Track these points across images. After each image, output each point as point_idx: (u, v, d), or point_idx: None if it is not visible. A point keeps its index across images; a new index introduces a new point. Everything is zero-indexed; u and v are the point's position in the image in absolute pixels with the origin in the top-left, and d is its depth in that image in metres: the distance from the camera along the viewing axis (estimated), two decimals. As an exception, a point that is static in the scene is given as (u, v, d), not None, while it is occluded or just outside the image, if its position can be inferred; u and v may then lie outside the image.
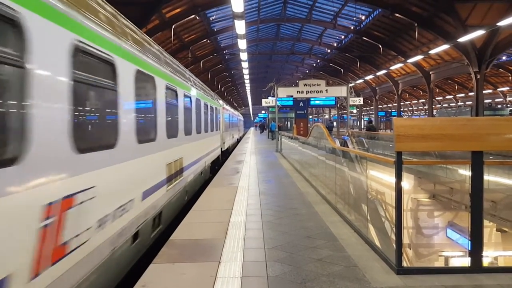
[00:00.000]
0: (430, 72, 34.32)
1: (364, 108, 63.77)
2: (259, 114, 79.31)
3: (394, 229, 4.19)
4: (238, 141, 36.25)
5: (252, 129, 79.53)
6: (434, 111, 43.16)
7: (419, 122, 4.94)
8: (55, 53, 3.05)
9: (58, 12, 3.09)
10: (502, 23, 16.51)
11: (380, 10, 27.64)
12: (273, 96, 23.90)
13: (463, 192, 7.09)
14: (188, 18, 26.41)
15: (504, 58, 33.82)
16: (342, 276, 3.90)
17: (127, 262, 4.60)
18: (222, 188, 9.31)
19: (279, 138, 20.97)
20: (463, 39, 20.01)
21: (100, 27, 3.92)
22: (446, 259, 6.69)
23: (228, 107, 26.29)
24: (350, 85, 23.88)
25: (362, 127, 50.73)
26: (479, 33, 18.71)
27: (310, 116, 63.86)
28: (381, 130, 50.11)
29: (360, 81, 42.00)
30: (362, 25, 32.59)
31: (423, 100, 56.62)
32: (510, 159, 7.60)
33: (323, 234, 5.40)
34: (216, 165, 15.59)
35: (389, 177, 4.82)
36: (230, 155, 19.99)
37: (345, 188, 6.97)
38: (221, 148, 17.65)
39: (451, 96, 51.77)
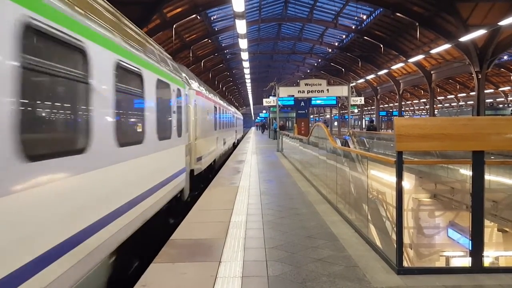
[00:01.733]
0: (432, 72, 34.24)
1: (366, 108, 63.66)
2: (260, 114, 79.48)
3: (395, 229, 4.19)
4: (235, 146, 29.25)
5: (253, 128, 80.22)
6: (436, 110, 43.05)
7: (420, 122, 4.93)
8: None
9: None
10: (504, 22, 16.45)
11: (381, 9, 27.59)
12: (274, 95, 23.88)
13: (464, 192, 7.07)
14: (189, 18, 26.39)
15: (505, 57, 33.69)
16: (343, 276, 3.90)
17: None
18: (223, 188, 9.32)
19: (280, 137, 20.97)
20: (464, 38, 19.96)
21: None
22: (447, 259, 6.66)
23: (215, 97, 16.60)
24: (351, 84, 23.85)
25: (363, 126, 50.66)
26: (481, 32, 18.66)
27: (312, 116, 63.76)
28: (382, 130, 50.08)
29: (361, 80, 41.91)
30: (363, 25, 32.53)
31: (424, 100, 56.49)
32: (511, 158, 7.59)
33: (324, 234, 5.40)
34: (176, 214, 7.76)
35: (390, 177, 4.81)
36: (226, 161, 15.65)
37: (346, 188, 6.97)
38: (193, 171, 9.97)
39: (453, 96, 51.65)
